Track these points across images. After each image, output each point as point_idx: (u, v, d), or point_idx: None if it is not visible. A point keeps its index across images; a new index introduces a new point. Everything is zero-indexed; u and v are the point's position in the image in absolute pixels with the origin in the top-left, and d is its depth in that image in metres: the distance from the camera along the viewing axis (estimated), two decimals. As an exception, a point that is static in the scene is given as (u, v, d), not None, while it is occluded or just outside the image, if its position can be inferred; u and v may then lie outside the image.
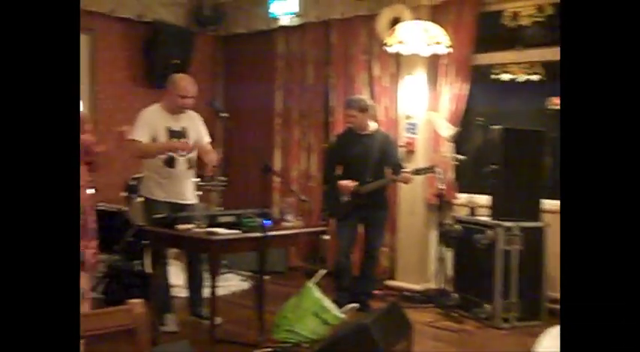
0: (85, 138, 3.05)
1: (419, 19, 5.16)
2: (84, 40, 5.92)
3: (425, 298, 5.19)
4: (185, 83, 4.22)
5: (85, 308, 3.17)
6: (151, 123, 4.13)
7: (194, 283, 4.52)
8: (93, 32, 6.00)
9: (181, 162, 4.21)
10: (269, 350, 3.72)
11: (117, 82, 6.28)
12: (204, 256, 4.24)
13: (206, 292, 4.39)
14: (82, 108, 5.31)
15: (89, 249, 3.04)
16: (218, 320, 4.36)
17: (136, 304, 1.41)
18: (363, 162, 4.77)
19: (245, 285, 5.66)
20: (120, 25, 6.26)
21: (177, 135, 4.21)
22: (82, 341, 3.12)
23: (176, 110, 4.24)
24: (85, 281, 3.13)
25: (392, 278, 5.72)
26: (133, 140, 4.04)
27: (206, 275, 4.49)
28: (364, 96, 5.39)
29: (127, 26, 6.30)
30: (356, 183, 4.72)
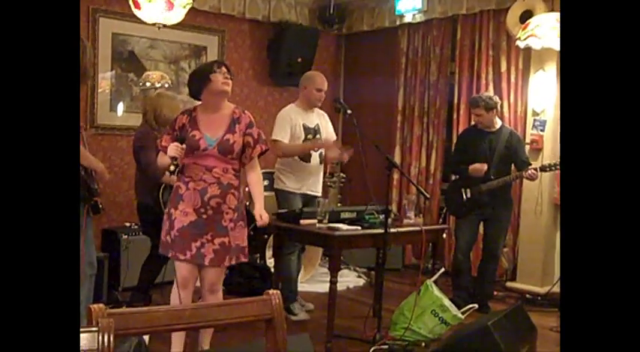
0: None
1: (553, 10, 4.94)
2: (214, 40, 6.23)
3: (548, 302, 4.99)
4: (320, 78, 4.49)
5: (219, 297, 3.35)
6: (290, 123, 4.37)
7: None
8: (223, 33, 6.29)
9: (315, 156, 4.41)
10: (386, 347, 3.72)
11: (242, 81, 6.53)
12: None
13: (325, 287, 4.52)
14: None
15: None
16: (310, 306, 4.65)
17: (275, 295, 1.47)
18: (487, 160, 4.66)
19: (360, 281, 5.72)
20: (248, 25, 6.50)
21: (311, 131, 4.44)
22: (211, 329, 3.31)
23: (311, 106, 4.48)
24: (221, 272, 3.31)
25: (513, 279, 5.55)
26: (276, 140, 4.31)
27: (324, 270, 4.62)
28: (490, 93, 5.25)
29: (254, 27, 6.54)
30: (482, 183, 4.65)
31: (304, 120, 4.42)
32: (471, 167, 4.69)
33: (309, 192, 4.45)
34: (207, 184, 3.10)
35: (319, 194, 4.53)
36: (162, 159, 3.19)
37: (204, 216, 3.10)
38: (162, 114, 4.19)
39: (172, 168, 3.02)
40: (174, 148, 3.03)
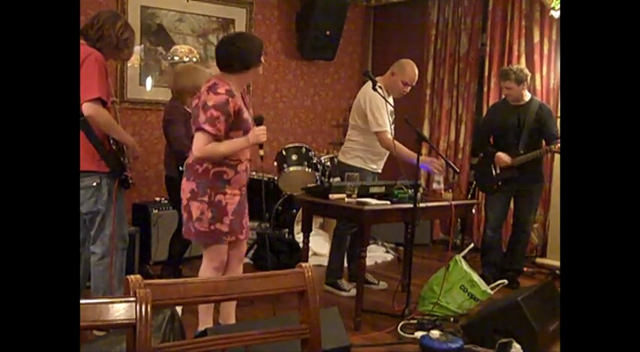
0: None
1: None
2: (242, 13, 6.19)
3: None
4: (412, 71, 4.33)
5: (239, 270, 3.37)
6: (385, 110, 4.25)
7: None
8: (251, 6, 6.24)
9: None
10: (414, 322, 3.72)
11: (270, 54, 6.49)
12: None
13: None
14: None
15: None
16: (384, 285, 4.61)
17: (307, 267, 1.47)
18: (516, 134, 4.59)
19: (388, 257, 5.72)
20: (276, -3, 6.45)
21: (392, 114, 4.36)
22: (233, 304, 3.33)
23: (391, 94, 4.39)
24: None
25: (543, 255, 5.51)
26: (385, 131, 4.20)
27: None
28: (521, 66, 5.14)
29: (282, -1, 6.49)
30: (511, 158, 4.58)
31: (388, 105, 4.26)
32: (497, 154, 4.62)
33: (379, 171, 4.49)
34: (249, 163, 3.18)
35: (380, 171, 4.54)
36: (223, 148, 2.99)
37: (244, 194, 3.21)
38: (179, 83, 4.12)
39: (262, 153, 3.12)
40: (262, 134, 3.02)
